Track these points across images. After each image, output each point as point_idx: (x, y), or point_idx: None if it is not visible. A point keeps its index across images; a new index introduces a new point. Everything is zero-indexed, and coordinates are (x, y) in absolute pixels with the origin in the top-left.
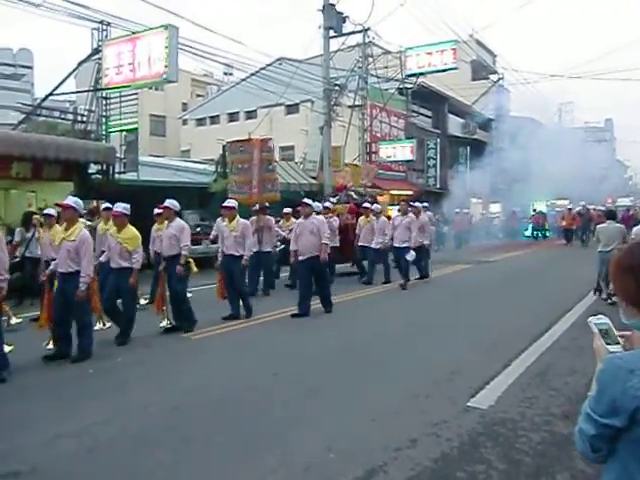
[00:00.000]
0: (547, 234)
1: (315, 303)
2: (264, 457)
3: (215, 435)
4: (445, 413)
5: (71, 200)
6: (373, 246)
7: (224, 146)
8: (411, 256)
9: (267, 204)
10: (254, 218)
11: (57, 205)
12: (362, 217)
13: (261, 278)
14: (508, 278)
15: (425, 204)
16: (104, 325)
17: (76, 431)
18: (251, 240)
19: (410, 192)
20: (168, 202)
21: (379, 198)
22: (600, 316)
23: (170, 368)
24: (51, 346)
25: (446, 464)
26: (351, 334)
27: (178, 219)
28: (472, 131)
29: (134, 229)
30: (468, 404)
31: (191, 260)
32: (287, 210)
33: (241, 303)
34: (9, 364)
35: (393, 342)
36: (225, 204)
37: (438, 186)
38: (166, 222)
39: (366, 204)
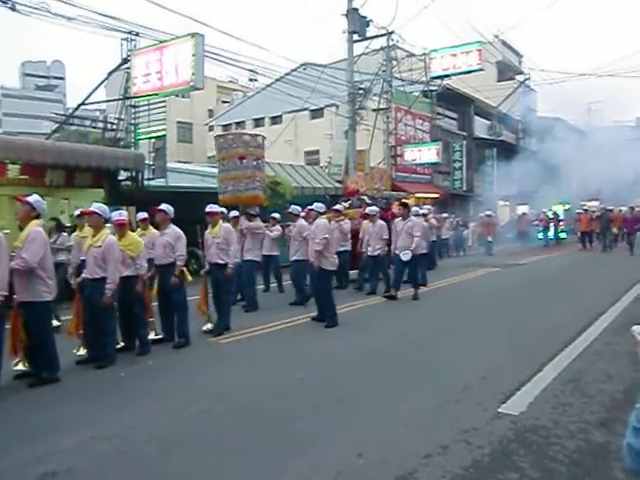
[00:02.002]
0: (560, 238)
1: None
2: (295, 463)
3: (245, 440)
4: (476, 419)
5: (95, 206)
6: (369, 253)
7: None
8: (407, 255)
9: (257, 208)
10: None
11: (83, 212)
12: (365, 221)
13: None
14: (537, 281)
15: (428, 207)
16: (156, 335)
17: (110, 434)
18: (235, 247)
19: (436, 195)
20: (164, 206)
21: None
22: None
23: (199, 372)
24: (82, 352)
25: (478, 471)
26: (376, 339)
27: (173, 226)
28: (498, 133)
29: (135, 235)
30: (499, 410)
31: (184, 269)
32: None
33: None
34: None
35: (419, 347)
36: (207, 209)
37: (464, 189)
38: (149, 229)
39: (369, 208)
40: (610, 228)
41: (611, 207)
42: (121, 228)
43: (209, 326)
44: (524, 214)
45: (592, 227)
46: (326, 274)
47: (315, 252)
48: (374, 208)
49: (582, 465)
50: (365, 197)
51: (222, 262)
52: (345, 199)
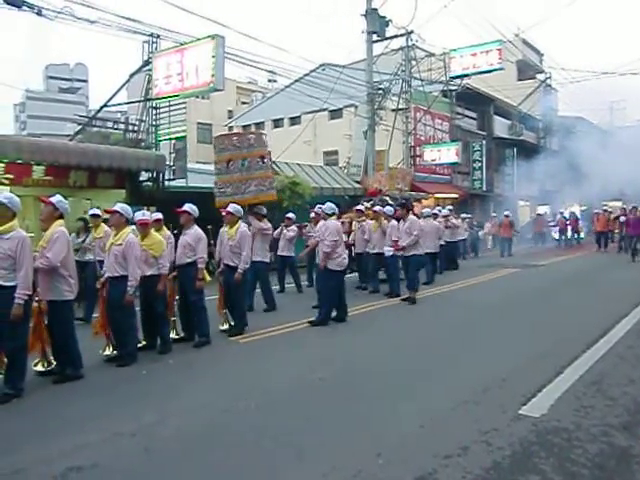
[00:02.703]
0: (579, 238)
1: (352, 310)
2: (314, 461)
3: (265, 439)
4: (496, 421)
5: (118, 206)
6: (386, 253)
7: (269, 152)
8: (389, 252)
9: (264, 208)
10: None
11: (106, 212)
12: (372, 222)
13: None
14: (558, 282)
15: (449, 208)
16: (177, 334)
17: (133, 430)
18: (248, 252)
19: (455, 195)
20: (187, 206)
21: (424, 202)
22: None
23: (219, 371)
24: (107, 352)
25: (498, 473)
26: (394, 340)
27: (196, 226)
28: (519, 132)
29: (158, 235)
30: (520, 412)
31: (205, 272)
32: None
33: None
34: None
35: (438, 347)
36: (227, 209)
37: (484, 189)
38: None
39: (376, 207)
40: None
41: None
42: (144, 228)
43: (226, 326)
44: (540, 215)
45: (609, 228)
46: (331, 274)
47: (323, 253)
48: (428, 210)
49: (605, 469)
50: (387, 197)
51: (233, 265)
52: (367, 199)
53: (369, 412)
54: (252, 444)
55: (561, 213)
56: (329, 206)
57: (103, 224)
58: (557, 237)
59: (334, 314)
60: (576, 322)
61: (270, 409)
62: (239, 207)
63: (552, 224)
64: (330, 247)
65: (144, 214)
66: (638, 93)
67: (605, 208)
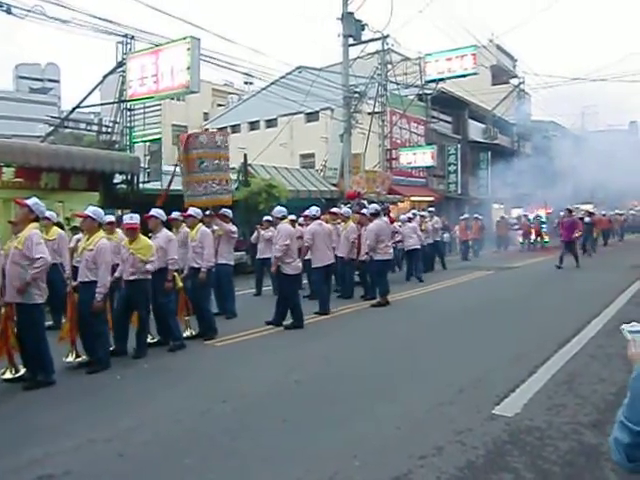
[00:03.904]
0: (543, 242)
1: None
2: (289, 464)
3: (241, 442)
4: (470, 421)
5: (89, 210)
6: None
7: (245, 154)
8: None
9: (230, 211)
10: (216, 227)
11: (77, 216)
12: (342, 224)
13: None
14: (531, 283)
15: (420, 212)
16: (152, 338)
17: (107, 436)
18: (209, 250)
19: (431, 198)
20: (154, 211)
21: (400, 205)
22: (634, 323)
23: (195, 375)
24: (70, 359)
25: (472, 473)
26: (370, 343)
27: (165, 229)
28: (493, 136)
29: (147, 239)
30: (493, 412)
31: (176, 274)
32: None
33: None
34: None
35: (414, 350)
36: (187, 212)
37: (459, 192)
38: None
39: (364, 210)
40: (592, 232)
41: (592, 211)
42: (132, 232)
43: (189, 332)
44: (503, 218)
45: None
46: (287, 278)
47: (275, 258)
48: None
49: (575, 466)
50: (365, 201)
51: (197, 266)
52: (345, 202)
53: (345, 414)
54: (228, 447)
55: (525, 216)
56: (278, 209)
57: (55, 227)
58: (521, 240)
59: (288, 321)
60: (548, 322)
61: (246, 412)
62: (198, 210)
63: (516, 227)
64: (281, 251)
65: (132, 218)
66: (609, 98)
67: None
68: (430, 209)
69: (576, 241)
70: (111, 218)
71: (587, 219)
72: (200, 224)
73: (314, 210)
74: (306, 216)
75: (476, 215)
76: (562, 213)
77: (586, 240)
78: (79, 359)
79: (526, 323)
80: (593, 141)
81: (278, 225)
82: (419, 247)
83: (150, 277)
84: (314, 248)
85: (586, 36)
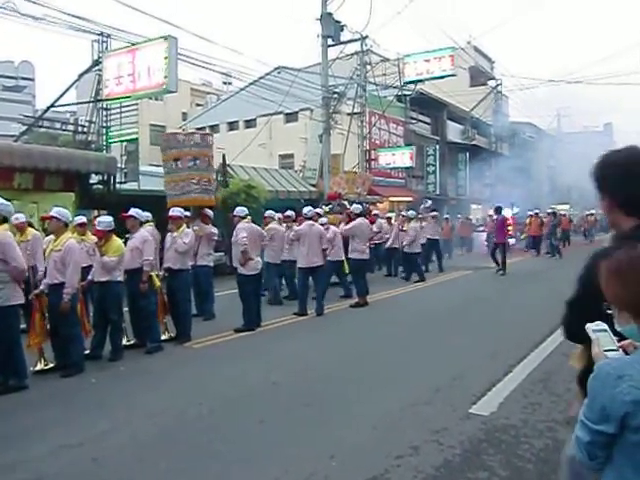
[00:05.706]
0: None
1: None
2: (267, 465)
3: (219, 444)
4: (446, 420)
5: (54, 211)
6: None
7: (224, 155)
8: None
9: (211, 212)
10: (196, 228)
11: (43, 218)
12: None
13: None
14: (508, 283)
15: (412, 212)
16: (128, 341)
17: (81, 440)
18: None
19: (410, 198)
20: (133, 211)
21: (379, 205)
22: (598, 322)
23: (172, 377)
24: (39, 367)
25: (448, 471)
26: (350, 342)
27: (142, 229)
28: (471, 137)
29: (119, 241)
30: (470, 411)
31: (153, 274)
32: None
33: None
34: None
35: (392, 350)
36: (170, 214)
37: (438, 192)
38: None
39: (318, 209)
40: (556, 232)
41: (556, 212)
42: (100, 236)
43: (167, 335)
44: (467, 219)
45: (542, 232)
46: (245, 279)
47: (241, 252)
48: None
49: (549, 462)
50: (346, 202)
51: (175, 268)
52: (326, 203)
53: (323, 415)
54: (205, 449)
55: (490, 216)
56: (240, 209)
57: (30, 228)
58: (486, 242)
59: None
60: (524, 321)
61: (223, 413)
62: (182, 209)
63: (481, 229)
64: (243, 246)
65: (100, 223)
66: (584, 100)
67: (537, 212)
68: (433, 211)
69: (507, 243)
70: (83, 219)
71: (549, 219)
72: (184, 225)
73: (306, 209)
74: (287, 217)
75: (446, 216)
76: (530, 213)
77: (550, 240)
78: (47, 367)
79: (503, 322)
80: (567, 141)
81: (239, 224)
82: (419, 251)
83: (121, 279)
84: (301, 248)
85: (564, 38)
